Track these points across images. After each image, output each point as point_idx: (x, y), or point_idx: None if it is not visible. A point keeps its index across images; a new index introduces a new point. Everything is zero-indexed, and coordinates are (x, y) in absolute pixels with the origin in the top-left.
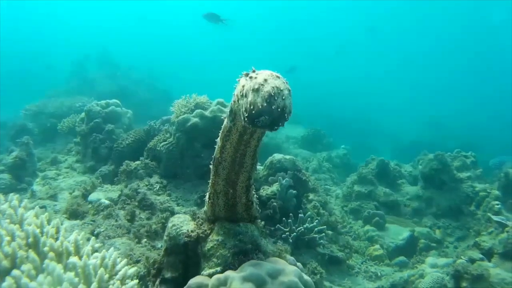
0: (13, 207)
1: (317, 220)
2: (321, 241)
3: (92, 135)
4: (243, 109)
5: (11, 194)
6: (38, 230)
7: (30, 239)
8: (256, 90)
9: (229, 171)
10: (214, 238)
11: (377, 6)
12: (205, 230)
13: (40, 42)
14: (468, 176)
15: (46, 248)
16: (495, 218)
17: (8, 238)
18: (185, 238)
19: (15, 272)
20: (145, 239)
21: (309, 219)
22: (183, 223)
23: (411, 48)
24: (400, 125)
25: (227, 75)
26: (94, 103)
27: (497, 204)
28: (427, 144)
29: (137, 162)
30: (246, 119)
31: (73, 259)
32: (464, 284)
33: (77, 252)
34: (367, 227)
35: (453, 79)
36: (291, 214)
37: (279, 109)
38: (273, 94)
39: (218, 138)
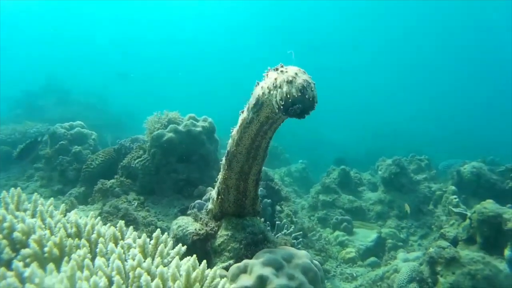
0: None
1: (292, 227)
2: (299, 246)
3: (58, 157)
4: (278, 98)
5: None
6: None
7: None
8: (290, 82)
9: (243, 163)
10: (223, 233)
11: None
12: (213, 227)
13: None
14: (424, 177)
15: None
16: (455, 210)
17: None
18: (194, 237)
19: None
20: None
21: (286, 225)
22: (188, 224)
23: (350, 59)
24: (348, 138)
25: (183, 93)
26: (58, 125)
27: (455, 198)
28: (378, 154)
29: (112, 181)
30: (281, 107)
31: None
32: (439, 268)
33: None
34: (337, 232)
35: (393, 89)
36: (268, 222)
37: (310, 99)
38: (305, 86)
39: (234, 132)
